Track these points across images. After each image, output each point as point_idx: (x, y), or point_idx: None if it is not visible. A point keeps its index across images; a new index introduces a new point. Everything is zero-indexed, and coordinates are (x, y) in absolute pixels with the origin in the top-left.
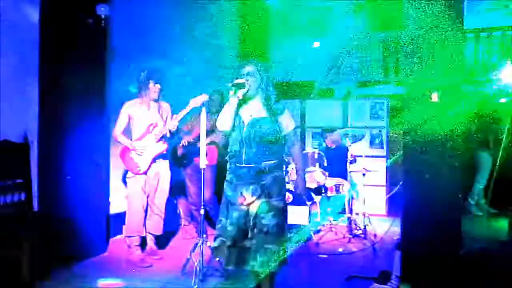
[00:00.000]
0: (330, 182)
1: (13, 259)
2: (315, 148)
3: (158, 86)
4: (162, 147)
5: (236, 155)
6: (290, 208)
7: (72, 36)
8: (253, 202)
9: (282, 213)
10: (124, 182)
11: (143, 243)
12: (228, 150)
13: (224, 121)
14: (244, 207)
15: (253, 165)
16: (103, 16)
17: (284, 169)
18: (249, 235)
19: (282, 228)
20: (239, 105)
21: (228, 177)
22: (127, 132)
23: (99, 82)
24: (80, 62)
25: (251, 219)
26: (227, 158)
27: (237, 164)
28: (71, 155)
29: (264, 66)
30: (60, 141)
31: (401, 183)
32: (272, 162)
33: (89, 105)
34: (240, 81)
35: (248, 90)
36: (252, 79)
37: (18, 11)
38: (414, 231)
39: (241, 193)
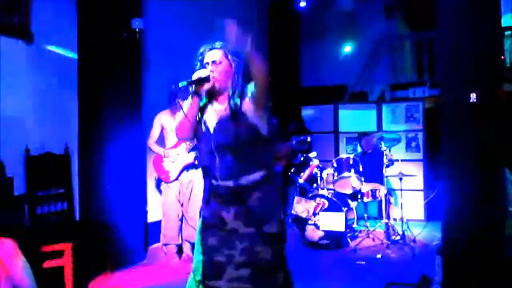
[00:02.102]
0: (366, 187)
1: (56, 268)
2: (350, 153)
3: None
4: (192, 156)
5: (209, 171)
6: (326, 215)
7: (109, 50)
8: (237, 229)
9: (278, 242)
10: (159, 190)
11: (180, 250)
12: (199, 162)
13: (182, 127)
14: (224, 233)
15: (231, 182)
16: (137, 30)
17: (274, 182)
18: (232, 273)
19: (280, 261)
20: (203, 106)
21: (204, 195)
22: (161, 141)
23: (135, 94)
24: (117, 74)
25: (236, 251)
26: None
27: (213, 182)
28: (109, 165)
29: (234, 50)
30: (99, 151)
31: (439, 187)
32: (257, 175)
33: (126, 116)
34: (201, 73)
35: (214, 84)
36: (220, 68)
37: (56, 27)
38: (455, 235)
39: (221, 216)
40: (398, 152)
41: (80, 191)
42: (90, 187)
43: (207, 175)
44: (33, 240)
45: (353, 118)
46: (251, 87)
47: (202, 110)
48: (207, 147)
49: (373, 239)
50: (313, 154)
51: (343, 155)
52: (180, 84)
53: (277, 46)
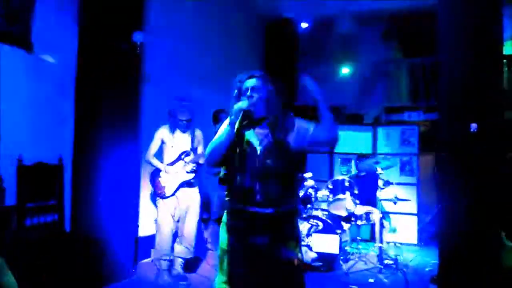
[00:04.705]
0: (360, 210)
1: (45, 280)
2: (344, 174)
3: (185, 121)
4: (191, 175)
5: (246, 194)
6: (320, 237)
7: (108, 62)
8: (266, 256)
9: (301, 270)
10: (154, 203)
11: (171, 267)
12: (233, 185)
13: (216, 154)
14: (256, 261)
15: (269, 209)
16: (138, 43)
17: (299, 213)
18: None
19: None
20: (240, 129)
21: (228, 220)
22: (159, 156)
23: (133, 106)
24: (115, 86)
25: (267, 278)
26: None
27: (247, 207)
28: (103, 177)
29: (270, 78)
30: (93, 163)
31: (435, 212)
32: (292, 205)
33: (123, 129)
34: (242, 105)
35: (253, 111)
36: (258, 95)
37: (55, 37)
38: (451, 264)
39: (250, 244)
40: (392, 175)
41: (71, 203)
42: (82, 199)
43: (241, 200)
44: (22, 253)
45: (349, 140)
46: (310, 126)
47: (238, 133)
48: (250, 169)
49: (366, 263)
50: (308, 175)
51: (338, 177)
52: (236, 127)
53: (273, 65)
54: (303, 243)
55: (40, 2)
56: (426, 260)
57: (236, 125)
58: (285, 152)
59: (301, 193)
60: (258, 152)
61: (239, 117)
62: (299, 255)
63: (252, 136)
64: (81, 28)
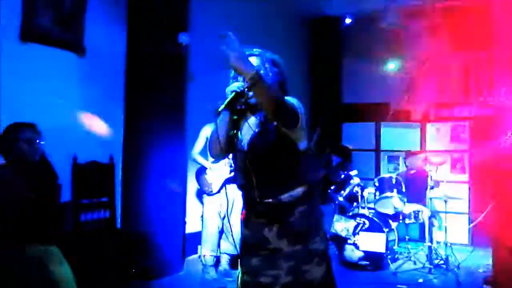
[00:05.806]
0: (409, 208)
1: (98, 274)
2: (391, 172)
3: None
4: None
5: (246, 189)
6: (366, 235)
7: (155, 63)
8: (281, 248)
9: (325, 258)
10: (200, 200)
11: (217, 263)
12: (236, 183)
13: (214, 143)
14: (267, 253)
15: (270, 199)
16: (183, 44)
17: (315, 198)
18: None
19: (329, 280)
20: (238, 120)
21: (244, 213)
22: (204, 153)
23: (179, 106)
24: (162, 87)
25: (282, 271)
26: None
27: (250, 200)
28: (152, 175)
29: (272, 57)
30: (142, 162)
31: (488, 209)
32: (298, 191)
33: (170, 128)
34: (235, 87)
35: (250, 95)
36: None
37: (105, 41)
38: (507, 265)
39: (263, 235)
40: (442, 173)
41: (122, 200)
42: (132, 197)
43: (245, 194)
44: (76, 247)
45: (395, 136)
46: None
47: (237, 124)
48: (242, 165)
49: (415, 262)
50: (354, 172)
51: (385, 175)
52: (220, 109)
53: (319, 63)
54: (349, 241)
55: (91, 7)
56: (480, 261)
57: (221, 107)
58: (273, 137)
59: (347, 191)
60: (246, 146)
61: (231, 100)
62: (322, 243)
63: (245, 128)
64: (129, 31)
